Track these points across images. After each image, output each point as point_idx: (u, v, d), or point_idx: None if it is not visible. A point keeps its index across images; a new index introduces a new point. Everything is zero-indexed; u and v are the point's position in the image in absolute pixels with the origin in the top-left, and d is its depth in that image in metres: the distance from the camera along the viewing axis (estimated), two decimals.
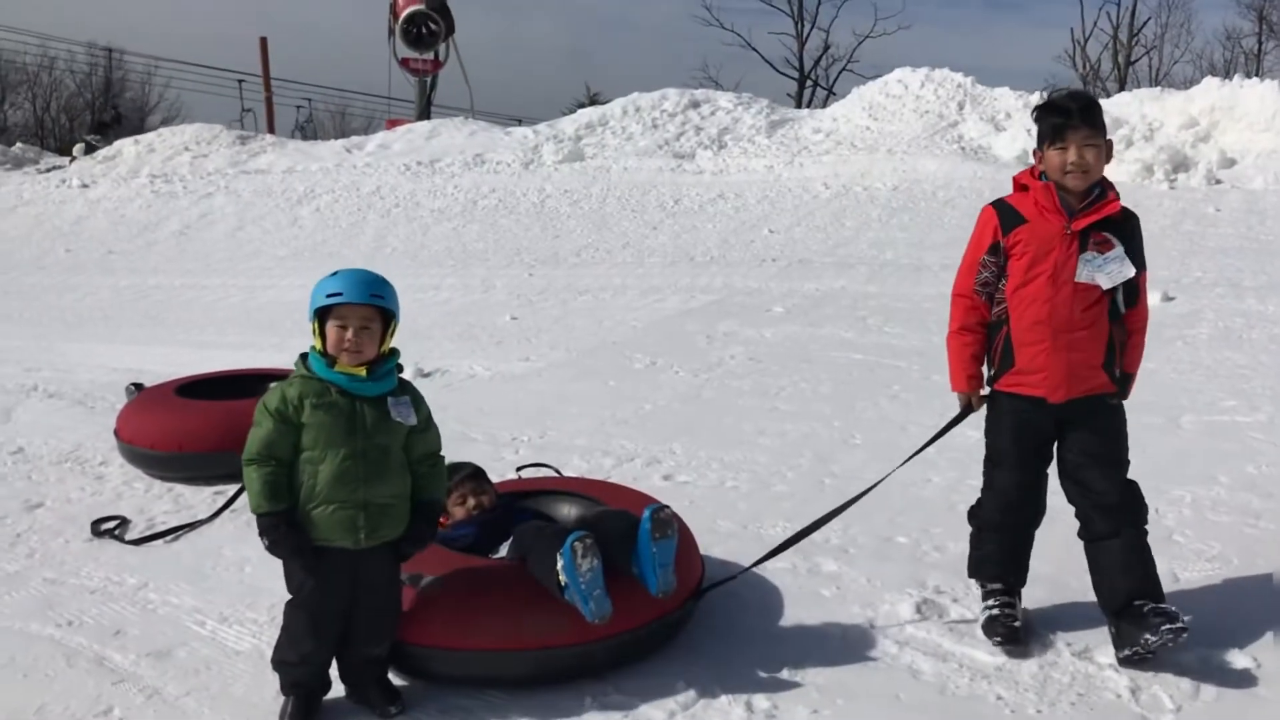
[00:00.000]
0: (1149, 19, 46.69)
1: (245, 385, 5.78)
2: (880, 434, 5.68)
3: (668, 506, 3.34)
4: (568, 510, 3.96)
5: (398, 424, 3.08)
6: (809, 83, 44.40)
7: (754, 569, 3.91)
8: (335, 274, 3.10)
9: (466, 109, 29.15)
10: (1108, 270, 3.25)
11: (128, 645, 3.62)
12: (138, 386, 6.03)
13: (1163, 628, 3.11)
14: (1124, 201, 3.41)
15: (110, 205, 19.02)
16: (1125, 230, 3.31)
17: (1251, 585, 3.82)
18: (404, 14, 28.62)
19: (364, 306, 3.04)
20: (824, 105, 31.67)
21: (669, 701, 3.16)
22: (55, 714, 3.22)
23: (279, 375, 5.31)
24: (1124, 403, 3.42)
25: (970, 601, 3.65)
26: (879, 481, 3.91)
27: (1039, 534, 3.53)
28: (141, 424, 5.50)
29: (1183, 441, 5.49)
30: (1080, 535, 3.41)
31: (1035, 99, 19.32)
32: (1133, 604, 3.23)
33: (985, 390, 3.51)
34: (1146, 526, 3.36)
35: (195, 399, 5.69)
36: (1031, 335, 3.31)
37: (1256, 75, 20.64)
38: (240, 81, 37.38)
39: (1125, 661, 3.24)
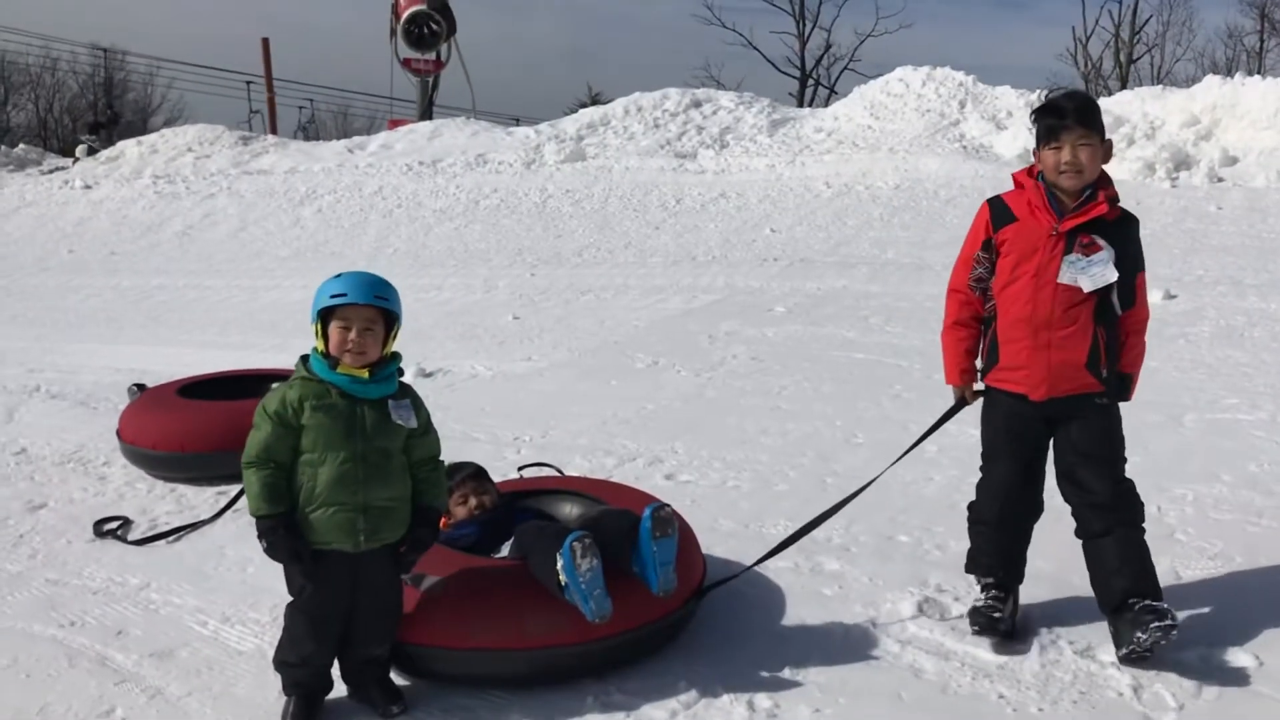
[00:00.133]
0: (1150, 17, 46.71)
1: (247, 386, 5.80)
2: (882, 433, 5.68)
3: (668, 505, 3.34)
4: (569, 510, 3.96)
5: (398, 427, 3.09)
6: (810, 82, 44.43)
7: (756, 568, 3.91)
8: (339, 275, 3.11)
9: (468, 109, 29.18)
10: (1091, 273, 3.25)
11: (130, 646, 3.63)
12: (140, 387, 6.04)
13: (1151, 625, 3.12)
14: (1126, 200, 3.41)
15: (113, 206, 19.04)
16: (1120, 233, 3.30)
17: (1254, 583, 3.82)
18: (406, 14, 28.64)
19: (367, 308, 3.04)
20: (825, 104, 31.67)
21: (670, 701, 3.16)
22: (58, 714, 3.22)
23: (281, 376, 5.32)
24: (1120, 402, 3.41)
25: (971, 600, 3.64)
26: (875, 478, 3.93)
27: (1041, 532, 3.53)
28: (144, 425, 5.51)
29: (1184, 439, 5.49)
30: (1077, 534, 3.41)
31: (1036, 98, 19.25)
32: (1127, 602, 3.23)
33: (979, 385, 3.54)
34: (1143, 524, 3.36)
35: (197, 400, 5.70)
36: (1014, 333, 3.35)
37: (1258, 73, 20.63)
38: (248, 83, 37.41)
39: (1125, 660, 3.24)
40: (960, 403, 3.61)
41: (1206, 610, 3.59)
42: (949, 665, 3.33)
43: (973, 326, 3.50)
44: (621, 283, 11.50)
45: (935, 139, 18.63)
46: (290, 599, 3.14)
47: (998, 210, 3.42)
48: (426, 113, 29.06)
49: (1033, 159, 3.45)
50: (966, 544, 3.65)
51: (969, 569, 3.58)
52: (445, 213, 17.26)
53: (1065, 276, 3.25)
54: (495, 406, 6.69)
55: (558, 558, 3.11)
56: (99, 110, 40.58)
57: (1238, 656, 3.29)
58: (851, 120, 20.23)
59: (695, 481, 5.13)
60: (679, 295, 10.62)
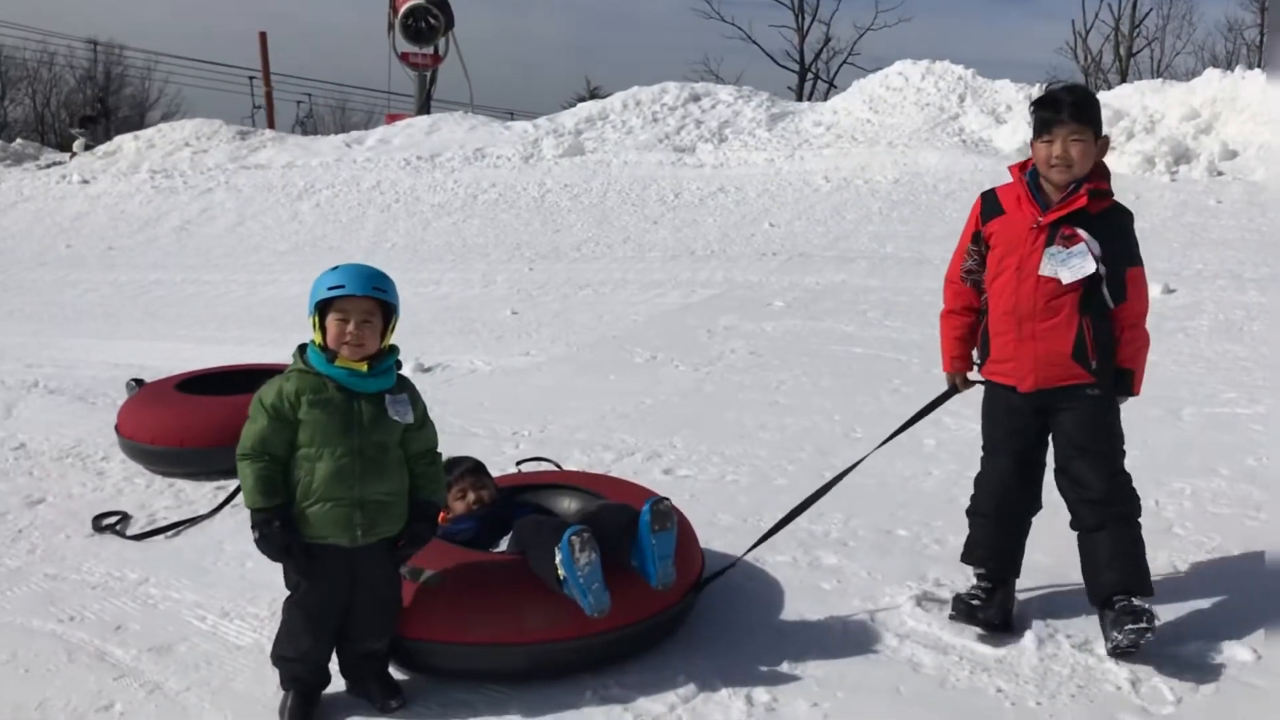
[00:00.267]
0: (1150, 10, 46.65)
1: (245, 380, 5.78)
2: (881, 427, 5.65)
3: (667, 499, 3.34)
4: (568, 504, 3.96)
5: (394, 421, 3.08)
6: (810, 76, 44.35)
7: (754, 562, 3.91)
8: (336, 268, 3.10)
9: (466, 103, 29.15)
10: (1070, 265, 3.27)
11: (129, 640, 3.63)
12: (138, 382, 6.04)
13: (1127, 627, 3.16)
14: (1125, 194, 3.42)
15: (110, 201, 19.02)
16: (1110, 226, 3.30)
17: (1252, 577, 3.81)
18: (404, 8, 28.59)
19: (365, 299, 3.04)
20: (825, 98, 31.63)
21: (669, 694, 3.16)
22: (57, 709, 3.22)
23: (279, 371, 5.31)
24: (1125, 397, 3.41)
25: None
26: (862, 459, 3.96)
27: (1040, 526, 3.54)
28: (142, 419, 5.51)
29: (1183, 434, 5.49)
30: (1072, 526, 3.43)
31: (1036, 91, 19.33)
32: (1112, 599, 3.26)
33: (975, 376, 3.58)
34: (1139, 519, 3.36)
35: (196, 394, 5.70)
36: (1001, 325, 3.41)
37: (1258, 67, 20.59)
38: (251, 78, 37.27)
39: (1112, 655, 3.26)
40: (951, 389, 3.68)
41: (1204, 604, 3.60)
42: (947, 659, 3.33)
43: (966, 315, 3.56)
44: (620, 277, 11.50)
45: (934, 133, 18.61)
46: (288, 594, 3.14)
47: (988, 203, 3.47)
48: (424, 107, 29.02)
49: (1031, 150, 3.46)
50: (964, 538, 3.66)
51: (964, 558, 3.60)
52: (443, 207, 17.24)
53: (1045, 269, 3.29)
54: (494, 401, 6.69)
55: (556, 552, 3.11)
56: (89, 104, 40.48)
57: (1236, 650, 3.30)
58: (850, 114, 20.21)
59: (694, 476, 5.13)
60: (677, 290, 10.62)
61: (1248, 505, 4.49)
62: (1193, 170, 15.21)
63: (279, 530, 3.01)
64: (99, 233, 17.20)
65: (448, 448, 3.41)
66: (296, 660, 3.13)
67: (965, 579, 3.68)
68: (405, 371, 3.26)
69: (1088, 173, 3.30)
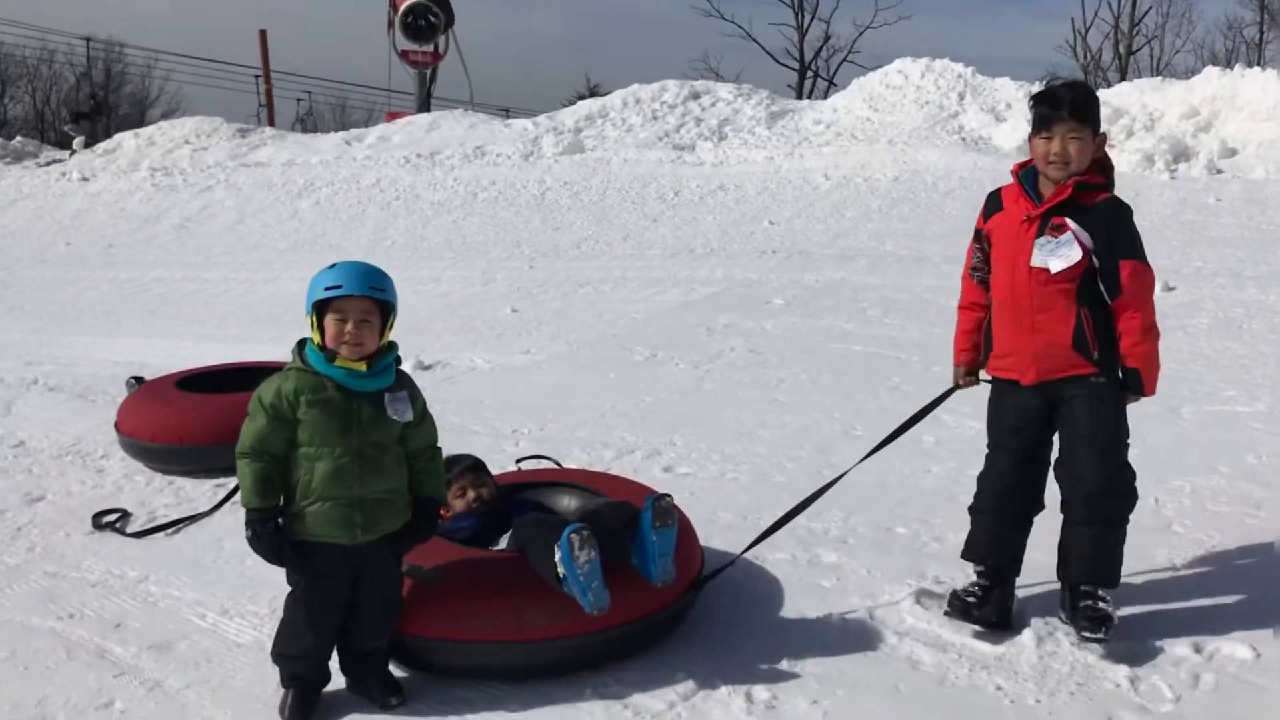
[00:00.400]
0: (1150, 8, 46.49)
1: (245, 378, 5.78)
2: (880, 425, 5.65)
3: (669, 495, 3.35)
4: (568, 502, 3.96)
5: (393, 420, 3.07)
6: (809, 74, 44.32)
7: (753, 560, 3.91)
8: (333, 267, 3.08)
9: (466, 101, 29.13)
10: (1059, 254, 3.28)
11: (129, 638, 3.63)
12: (138, 380, 6.04)
13: (1083, 633, 3.27)
14: (1124, 190, 3.41)
15: (110, 198, 19.01)
16: (1098, 218, 3.29)
17: (1251, 575, 3.82)
18: (404, 6, 28.57)
19: (363, 299, 3.02)
20: (824, 96, 31.64)
21: (668, 692, 3.17)
22: (56, 706, 3.22)
23: (278, 369, 5.31)
24: (1136, 395, 3.35)
25: None
26: (862, 459, 3.95)
27: (1040, 524, 3.53)
28: (142, 417, 5.51)
29: (1183, 431, 5.50)
30: (1061, 510, 3.43)
31: (1036, 89, 19.28)
32: (1080, 588, 3.34)
33: (984, 375, 3.59)
34: (1128, 517, 3.38)
35: (195, 392, 5.70)
36: (1001, 318, 3.44)
37: (1258, 65, 20.61)
38: (256, 77, 37.15)
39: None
40: (954, 386, 3.71)
41: (1204, 602, 3.60)
42: (946, 657, 3.33)
43: (975, 310, 3.60)
44: (620, 275, 11.49)
45: (934, 131, 18.60)
46: (289, 591, 3.14)
47: (991, 202, 3.52)
48: (424, 105, 29.00)
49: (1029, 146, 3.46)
50: (964, 536, 3.66)
51: (964, 555, 3.60)
52: (443, 205, 17.24)
53: (1036, 259, 3.31)
54: (493, 399, 6.69)
55: (556, 550, 3.11)
56: (82, 100, 40.43)
57: (1235, 648, 3.30)
58: (850, 112, 20.21)
59: (693, 474, 5.14)
60: (677, 287, 10.62)
61: (1247, 503, 4.49)
62: (1192, 168, 15.21)
63: (272, 531, 3.01)
64: (99, 230, 17.20)
65: (447, 446, 3.41)
66: (297, 658, 3.13)
67: (965, 576, 3.68)
68: (406, 369, 3.25)
69: (1085, 169, 3.30)
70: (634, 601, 3.26)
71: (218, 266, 13.64)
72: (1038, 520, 3.53)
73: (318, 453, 3.01)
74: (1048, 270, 3.28)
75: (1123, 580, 3.72)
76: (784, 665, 3.30)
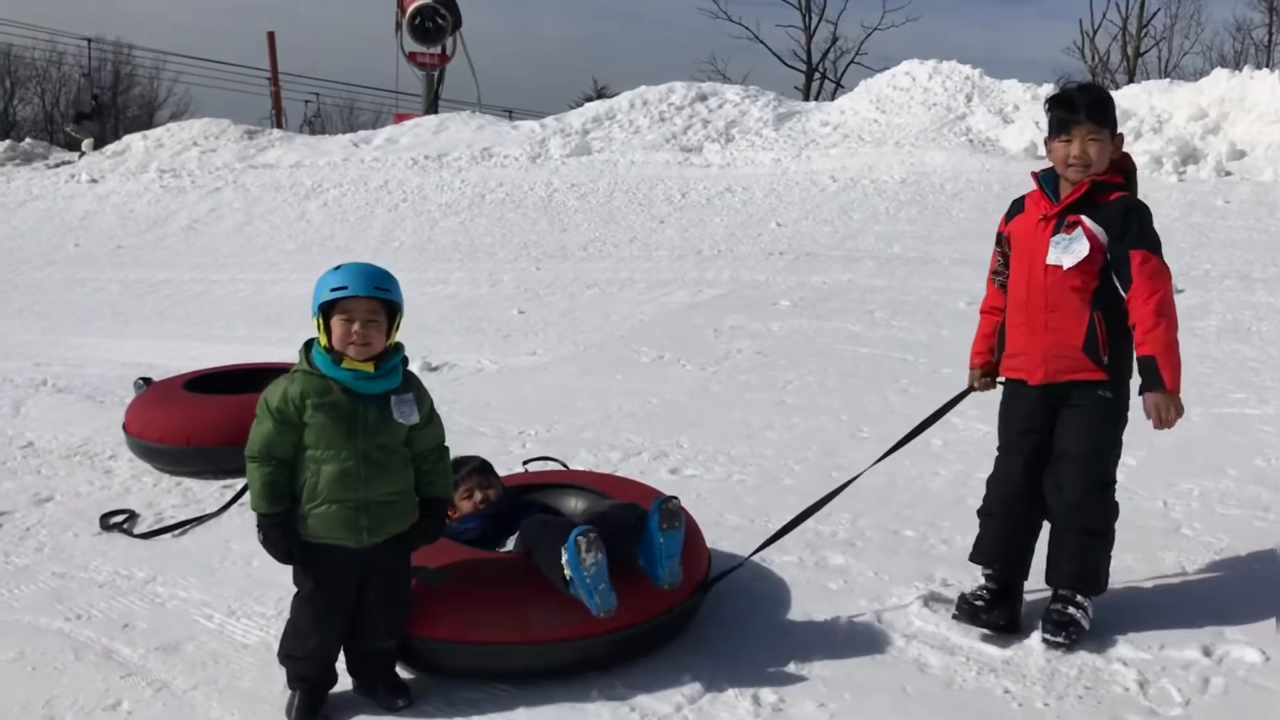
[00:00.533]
0: (1158, 10, 46.24)
1: (253, 379, 5.79)
2: (888, 427, 5.65)
3: (675, 497, 3.34)
4: (574, 504, 3.96)
5: (399, 423, 3.07)
6: (816, 75, 44.27)
7: (761, 562, 3.91)
8: (338, 268, 3.07)
9: (474, 103, 29.15)
10: (1071, 250, 3.29)
11: (136, 639, 3.63)
12: (146, 381, 6.05)
13: (1045, 636, 3.33)
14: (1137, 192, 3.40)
15: (119, 200, 19.06)
16: (1113, 213, 3.28)
17: (1260, 578, 3.81)
18: (411, 8, 28.60)
19: (369, 300, 3.02)
20: (831, 98, 31.60)
21: (675, 694, 3.16)
22: (64, 707, 3.23)
23: (286, 370, 5.32)
24: (1156, 392, 3.26)
25: None
26: (875, 462, 3.95)
27: (1047, 528, 3.53)
28: (150, 418, 5.52)
29: (1191, 434, 5.47)
30: (1047, 515, 3.46)
31: (1044, 91, 19.32)
32: (1058, 592, 3.39)
33: (1000, 378, 3.60)
34: (1109, 531, 3.40)
35: (203, 393, 5.71)
36: (1014, 318, 3.46)
37: (1266, 66, 20.53)
38: (269, 79, 37.08)
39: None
40: (969, 388, 3.72)
41: (1213, 605, 3.58)
42: (954, 660, 3.32)
43: (994, 314, 3.62)
44: (626, 277, 11.49)
45: (942, 133, 18.58)
46: (296, 592, 3.14)
47: (1013, 206, 3.56)
48: (432, 107, 29.02)
49: (1043, 150, 3.47)
50: (972, 539, 3.66)
51: (972, 557, 3.61)
52: (451, 206, 17.26)
53: (1051, 257, 3.32)
54: (500, 400, 6.69)
55: (562, 552, 3.11)
56: (85, 101, 40.51)
57: (1244, 652, 3.29)
58: (857, 114, 20.18)
59: (700, 476, 5.13)
60: (684, 289, 10.61)
61: (1256, 506, 4.48)
62: (1200, 170, 15.17)
63: (283, 535, 3.02)
64: (107, 232, 17.24)
65: (454, 447, 3.41)
66: (304, 659, 3.13)
67: (972, 579, 3.67)
68: (413, 370, 3.25)
69: (1104, 169, 3.31)
70: (641, 603, 3.26)
71: (226, 268, 13.67)
72: (1046, 524, 3.52)
73: (324, 456, 3.01)
74: (1061, 267, 3.28)
75: (1131, 584, 3.73)
76: (791, 668, 3.29)
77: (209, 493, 5.12)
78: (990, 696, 3.13)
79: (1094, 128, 3.28)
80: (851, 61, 44.48)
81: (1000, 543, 3.51)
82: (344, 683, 3.23)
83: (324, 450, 3.01)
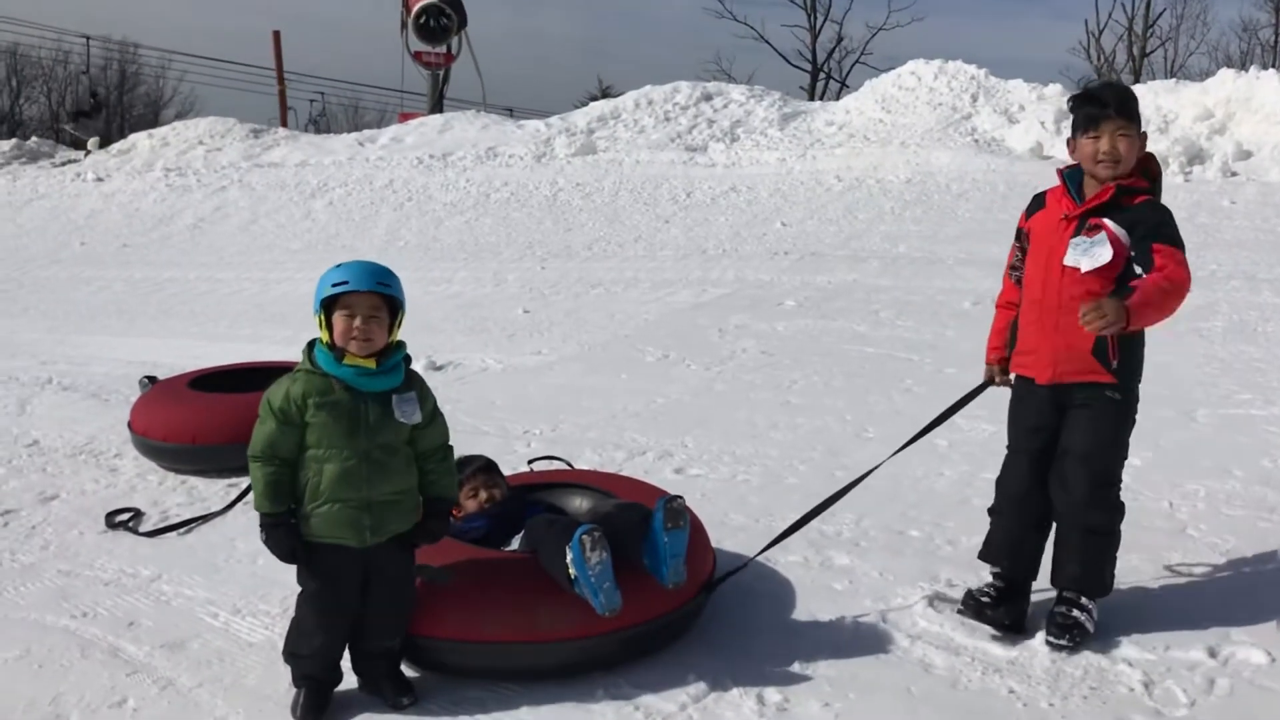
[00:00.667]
0: (1164, 10, 46.39)
1: (258, 378, 5.79)
2: (893, 427, 5.66)
3: (680, 497, 3.34)
4: (579, 503, 3.96)
5: (401, 422, 3.08)
6: (822, 75, 44.24)
7: (766, 562, 3.91)
8: (340, 265, 3.09)
9: (479, 102, 29.16)
10: (1092, 254, 3.27)
11: (141, 637, 3.64)
12: (151, 379, 6.06)
13: (1048, 638, 3.33)
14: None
15: (125, 199, 19.09)
16: (1136, 215, 3.26)
17: (1266, 579, 3.80)
18: (417, 7, 28.61)
19: (371, 295, 3.03)
20: (837, 98, 31.54)
21: (680, 694, 3.16)
22: (70, 704, 3.24)
23: (291, 369, 5.34)
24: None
25: None
26: (894, 454, 3.95)
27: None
28: (155, 417, 5.53)
29: (1197, 435, 5.47)
30: (1053, 516, 3.46)
31: (1049, 91, 19.32)
32: (1062, 594, 3.39)
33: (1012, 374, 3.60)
34: (1114, 532, 3.40)
35: (209, 392, 5.72)
36: (1028, 316, 3.45)
37: (1273, 67, 20.49)
38: (287, 78, 37.04)
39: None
40: (987, 382, 3.71)
41: (1218, 606, 3.58)
42: (959, 660, 3.32)
43: (1009, 310, 3.61)
44: (631, 276, 11.49)
45: (947, 133, 18.56)
46: (300, 591, 3.15)
47: (1034, 201, 3.54)
48: (437, 106, 29.04)
49: (1066, 148, 3.45)
50: (977, 539, 3.67)
51: (981, 556, 3.61)
52: (456, 206, 17.26)
53: (1069, 259, 3.30)
54: (505, 400, 6.69)
55: (567, 551, 3.11)
56: (83, 99, 40.56)
57: (1250, 653, 3.28)
58: (863, 114, 20.16)
59: (705, 475, 5.13)
60: (689, 289, 10.61)
61: (1262, 507, 4.47)
62: (1206, 171, 15.14)
63: (285, 534, 3.03)
64: (113, 230, 17.27)
65: (459, 446, 3.41)
66: (308, 658, 3.14)
67: (978, 580, 3.67)
68: (417, 369, 3.26)
69: (1131, 168, 3.29)
70: (646, 603, 3.26)
71: (231, 266, 13.68)
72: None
73: (325, 455, 3.01)
74: (1078, 270, 3.26)
75: (1137, 584, 3.73)
76: (796, 667, 3.29)
77: (214, 491, 5.13)
78: (995, 697, 3.13)
79: (1123, 123, 3.26)
80: (857, 61, 44.47)
81: (1009, 542, 3.51)
82: (349, 681, 3.24)
83: (326, 449, 3.01)
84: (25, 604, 3.94)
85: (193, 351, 8.24)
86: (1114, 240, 3.24)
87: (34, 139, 26.21)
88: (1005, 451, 3.59)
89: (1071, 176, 3.41)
